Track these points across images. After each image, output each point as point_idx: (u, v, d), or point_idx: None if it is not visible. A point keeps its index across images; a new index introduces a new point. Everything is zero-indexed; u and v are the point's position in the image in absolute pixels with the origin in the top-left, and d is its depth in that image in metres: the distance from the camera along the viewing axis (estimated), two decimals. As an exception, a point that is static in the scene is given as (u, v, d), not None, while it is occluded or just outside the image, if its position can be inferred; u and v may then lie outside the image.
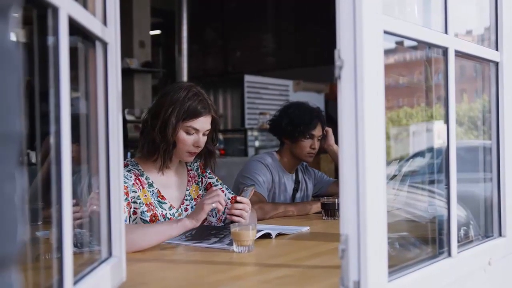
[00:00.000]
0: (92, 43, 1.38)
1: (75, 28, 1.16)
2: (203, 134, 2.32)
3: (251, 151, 7.69)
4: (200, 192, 2.48)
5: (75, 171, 1.14)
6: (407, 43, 1.62)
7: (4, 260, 0.61)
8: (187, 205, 2.41)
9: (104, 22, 1.41)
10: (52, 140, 1.05)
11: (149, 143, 2.29)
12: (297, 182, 3.25)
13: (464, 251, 1.65)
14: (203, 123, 2.30)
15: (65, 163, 1.05)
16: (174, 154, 2.33)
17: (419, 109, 2.08)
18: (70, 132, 1.08)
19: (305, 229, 2.45)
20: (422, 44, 1.67)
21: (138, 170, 2.30)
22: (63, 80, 1.05)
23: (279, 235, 2.27)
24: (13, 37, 0.64)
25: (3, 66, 0.61)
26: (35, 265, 1.26)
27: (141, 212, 2.23)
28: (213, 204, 2.07)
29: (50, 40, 1.06)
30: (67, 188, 1.06)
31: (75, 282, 1.14)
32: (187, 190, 2.44)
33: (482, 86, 2.01)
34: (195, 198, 2.45)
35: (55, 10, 1.04)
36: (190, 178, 2.47)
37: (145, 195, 2.27)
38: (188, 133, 2.28)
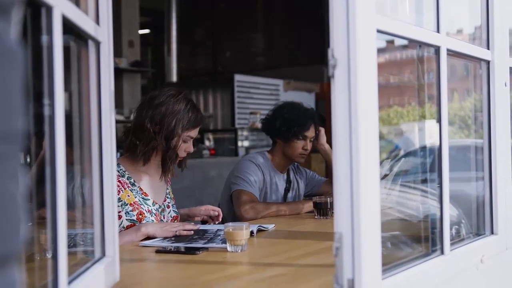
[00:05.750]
0: (85, 42, 1.37)
1: (68, 27, 1.16)
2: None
3: (241, 151, 7.69)
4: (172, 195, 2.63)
5: (67, 172, 1.14)
6: (398, 42, 1.63)
7: (7, 258, 0.62)
8: (168, 203, 2.53)
9: (97, 21, 1.40)
10: (45, 140, 1.04)
11: (151, 150, 2.36)
12: (288, 182, 3.25)
13: (456, 249, 1.66)
14: (197, 131, 2.46)
15: (59, 163, 1.05)
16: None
17: (410, 108, 2.09)
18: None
19: (271, 226, 2.49)
20: (413, 43, 1.67)
21: (118, 171, 2.33)
22: (57, 79, 1.05)
23: (259, 231, 2.34)
24: (14, 36, 0.63)
25: (6, 65, 0.61)
26: (28, 265, 1.25)
27: (125, 213, 2.29)
28: (177, 233, 2.22)
29: (44, 39, 1.05)
30: (61, 188, 1.05)
31: (69, 282, 1.13)
32: (167, 189, 2.56)
33: (474, 85, 2.02)
34: (173, 198, 2.59)
35: (49, 9, 1.03)
36: (168, 179, 2.59)
37: (128, 195, 2.34)
38: (184, 141, 2.41)
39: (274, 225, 2.50)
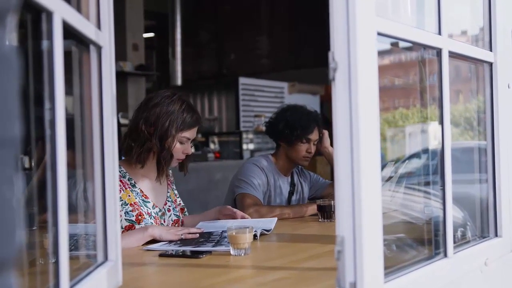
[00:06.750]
0: (86, 47, 1.38)
1: (69, 32, 1.16)
2: (191, 142, 2.46)
3: (246, 154, 7.69)
4: (176, 197, 2.61)
5: (70, 176, 1.14)
6: (402, 44, 1.62)
7: (3, 263, 0.62)
8: (169, 206, 2.53)
9: (98, 26, 1.41)
10: (47, 144, 1.05)
11: (146, 152, 2.36)
12: (292, 185, 3.25)
13: (460, 252, 1.65)
14: (195, 132, 2.45)
15: (60, 168, 1.05)
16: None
17: (415, 110, 2.08)
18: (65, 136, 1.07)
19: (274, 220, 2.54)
20: (417, 45, 1.67)
21: (120, 172, 2.33)
22: (57, 84, 1.05)
23: (262, 234, 2.32)
24: (11, 42, 0.64)
25: (1, 71, 0.61)
26: (31, 270, 1.25)
27: (125, 212, 2.30)
28: (182, 236, 2.20)
29: (44, 44, 1.06)
30: (63, 192, 1.06)
31: (72, 286, 1.13)
32: (168, 192, 2.55)
33: (477, 86, 2.01)
34: (174, 201, 2.57)
35: (50, 14, 1.03)
36: (169, 182, 2.59)
37: (129, 195, 2.35)
38: (181, 142, 2.40)
39: (276, 218, 2.56)
